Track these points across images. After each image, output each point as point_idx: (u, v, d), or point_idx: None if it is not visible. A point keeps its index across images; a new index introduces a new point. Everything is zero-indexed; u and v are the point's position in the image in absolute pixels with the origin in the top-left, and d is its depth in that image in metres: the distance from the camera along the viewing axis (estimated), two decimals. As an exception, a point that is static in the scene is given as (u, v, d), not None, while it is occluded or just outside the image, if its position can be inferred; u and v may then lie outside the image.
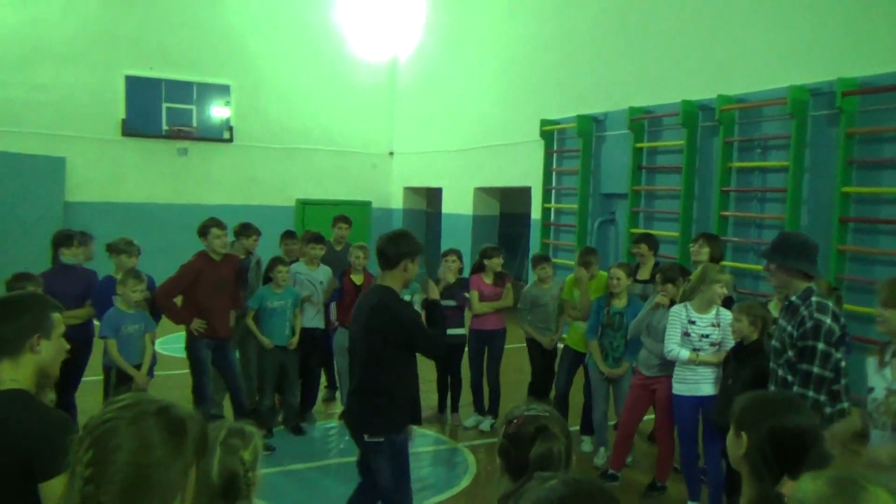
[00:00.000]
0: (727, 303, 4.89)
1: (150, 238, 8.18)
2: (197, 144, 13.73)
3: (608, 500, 1.15)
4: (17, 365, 2.00)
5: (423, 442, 6.12)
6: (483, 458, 5.71)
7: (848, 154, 6.72)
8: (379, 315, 3.54)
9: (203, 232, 5.41)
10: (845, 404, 3.47)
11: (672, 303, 4.98)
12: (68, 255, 5.17)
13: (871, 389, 2.98)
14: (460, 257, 6.54)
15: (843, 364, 3.38)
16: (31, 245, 6.17)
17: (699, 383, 4.58)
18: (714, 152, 8.21)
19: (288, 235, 7.04)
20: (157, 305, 5.18)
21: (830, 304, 3.37)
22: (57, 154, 12.41)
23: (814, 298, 3.33)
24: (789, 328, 3.38)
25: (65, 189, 12.54)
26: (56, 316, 2.10)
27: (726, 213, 8.02)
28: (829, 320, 3.26)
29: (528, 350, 6.45)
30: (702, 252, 5.61)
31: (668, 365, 4.88)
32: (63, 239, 5.25)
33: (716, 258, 5.56)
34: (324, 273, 6.43)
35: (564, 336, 6.39)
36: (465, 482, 5.23)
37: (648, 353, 5.05)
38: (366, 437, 3.59)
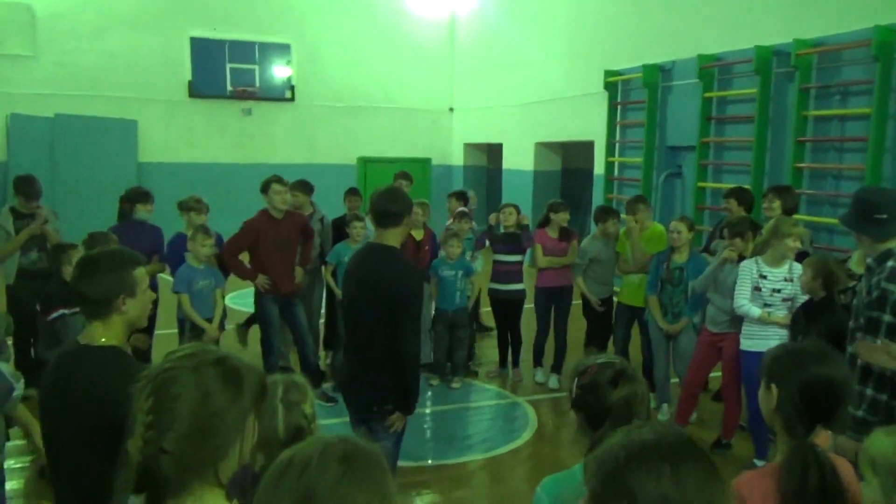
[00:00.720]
0: (802, 258, 4.69)
1: (217, 197, 8.41)
2: (260, 104, 13.95)
3: (700, 461, 1.06)
4: (107, 325, 2.09)
5: (484, 396, 6.19)
6: (544, 412, 5.74)
7: (938, 99, 6.30)
8: (404, 283, 3.31)
9: (264, 189, 5.49)
10: None
11: (741, 258, 4.83)
12: (143, 212, 5.43)
13: None
14: (518, 210, 6.49)
15: None
16: (109, 206, 6.44)
17: (768, 339, 4.42)
18: (789, 100, 7.80)
19: (351, 192, 7.13)
20: (224, 262, 5.35)
21: None
22: (129, 117, 12.85)
23: (889, 263, 2.98)
24: (864, 293, 3.12)
25: (137, 151, 12.99)
26: (139, 272, 2.16)
27: (801, 165, 7.65)
28: None
29: (583, 306, 6.39)
30: (773, 206, 5.38)
31: (735, 321, 4.76)
32: (140, 195, 5.52)
33: (788, 211, 5.33)
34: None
35: (616, 289, 6.28)
36: (525, 436, 5.27)
37: (716, 309, 4.92)
38: (374, 409, 3.37)
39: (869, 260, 3.16)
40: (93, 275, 2.07)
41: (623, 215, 6.40)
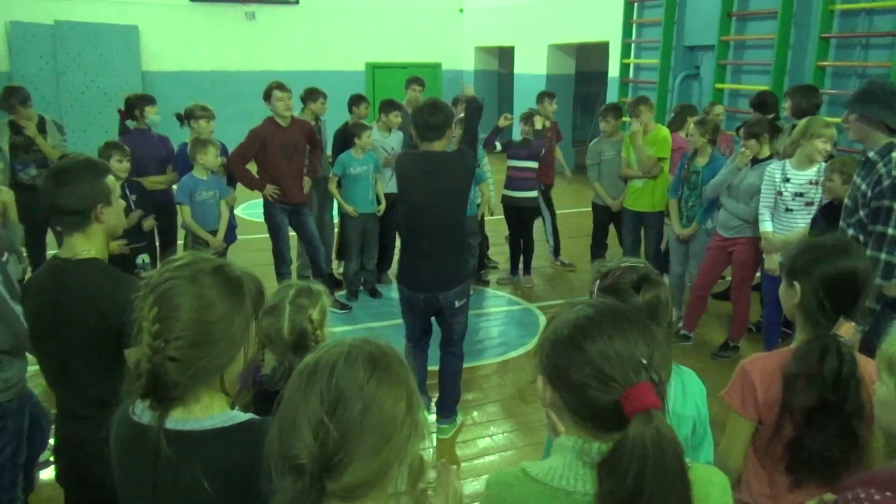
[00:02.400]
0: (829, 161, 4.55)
1: (222, 105, 8.27)
2: (264, 7, 13.49)
3: (639, 321, 1.19)
4: (87, 236, 2.07)
5: (496, 302, 6.26)
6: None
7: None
8: (460, 163, 3.70)
9: (267, 95, 5.38)
10: None
11: (755, 161, 4.71)
12: (153, 115, 5.35)
13: None
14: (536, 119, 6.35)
15: None
16: (114, 116, 6.33)
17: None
18: (815, -6, 7.43)
19: (357, 100, 6.94)
20: (231, 172, 5.30)
21: None
22: (129, 22, 12.48)
23: (894, 154, 3.04)
24: (864, 186, 3.14)
25: (140, 58, 12.70)
26: (110, 179, 2.13)
27: (824, 63, 7.36)
28: None
29: (592, 211, 6.33)
30: (785, 107, 5.20)
31: (746, 226, 4.70)
32: (146, 99, 5.43)
33: (803, 113, 5.11)
34: (396, 138, 6.40)
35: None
36: (536, 340, 5.35)
37: (727, 213, 4.85)
38: (456, 303, 3.79)
39: (871, 153, 3.13)
40: (67, 185, 2.03)
41: (625, 118, 6.18)
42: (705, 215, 5.14)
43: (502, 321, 5.97)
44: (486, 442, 4.02)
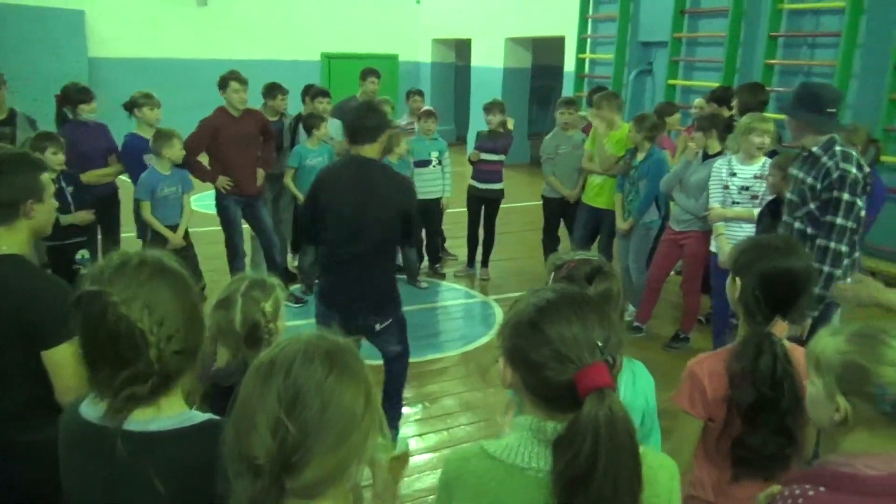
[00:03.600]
0: (772, 156, 4.68)
1: (174, 94, 8.08)
2: (216, -6, 13.19)
3: (597, 306, 1.24)
4: (12, 230, 1.98)
5: (453, 296, 6.28)
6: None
7: (913, -8, 6.19)
8: (406, 195, 3.44)
9: (222, 85, 5.27)
10: (857, 254, 3.39)
11: (706, 155, 4.81)
12: (87, 112, 5.07)
13: None
14: (503, 111, 6.38)
15: (862, 214, 3.26)
16: (60, 104, 6.12)
17: (737, 240, 4.48)
18: (764, -7, 7.62)
19: (311, 90, 6.84)
20: (182, 164, 5.17)
21: (854, 152, 3.25)
22: (75, 6, 12.05)
23: (837, 148, 3.20)
24: (809, 180, 3.28)
25: (87, 44, 12.29)
26: (45, 177, 2.06)
27: (772, 61, 7.56)
28: (854, 170, 3.16)
29: (543, 204, 6.38)
30: (733, 105, 5.32)
31: (696, 220, 4.81)
32: (80, 93, 5.10)
33: (750, 109, 5.21)
34: (332, 126, 6.36)
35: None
36: (493, 333, 5.39)
37: (679, 207, 4.95)
38: (377, 326, 3.47)
39: (814, 148, 3.28)
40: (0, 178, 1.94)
41: (583, 110, 6.20)
42: (641, 210, 5.21)
43: (459, 314, 5.99)
44: (444, 435, 4.03)
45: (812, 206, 3.27)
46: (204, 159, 5.39)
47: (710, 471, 1.94)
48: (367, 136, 3.30)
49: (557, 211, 6.25)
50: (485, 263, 6.67)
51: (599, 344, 1.17)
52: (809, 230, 3.29)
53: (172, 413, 1.30)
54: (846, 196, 3.15)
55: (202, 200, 8.44)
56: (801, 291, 1.86)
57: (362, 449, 1.07)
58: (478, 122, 6.35)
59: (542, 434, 1.19)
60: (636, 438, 1.14)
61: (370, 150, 3.34)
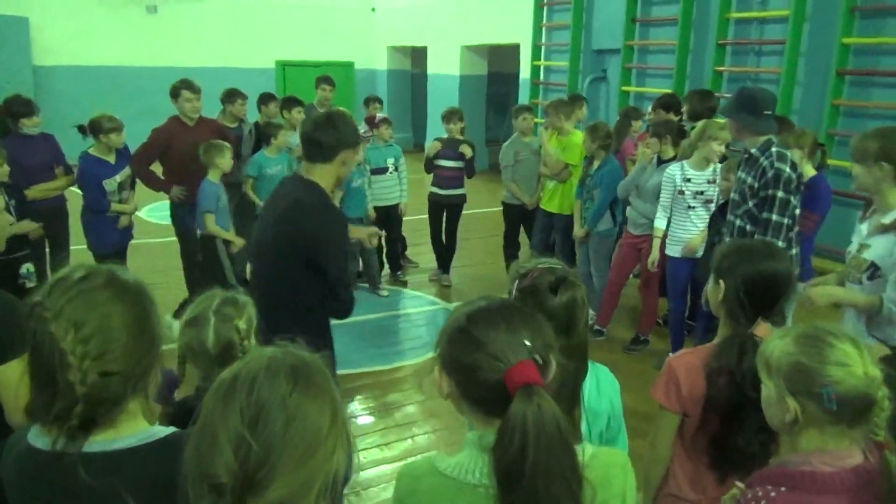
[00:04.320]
0: (722, 161, 4.81)
1: (124, 103, 7.90)
2: (167, 1, 12.94)
3: (526, 313, 1.28)
4: None
5: (415, 303, 6.25)
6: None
7: (852, 0, 6.42)
8: (313, 232, 2.67)
9: (174, 94, 5.17)
10: (794, 250, 3.56)
11: (661, 161, 4.91)
12: (30, 126, 4.83)
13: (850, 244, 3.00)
14: (461, 119, 6.41)
15: (797, 211, 3.48)
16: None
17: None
18: (712, 2, 7.82)
19: (267, 98, 6.77)
20: (134, 173, 5.04)
21: (789, 153, 3.48)
22: (19, 13, 11.69)
23: (773, 149, 3.43)
24: (749, 179, 3.49)
25: (31, 52, 11.92)
26: None
27: (721, 68, 7.77)
28: (787, 169, 3.38)
29: (503, 211, 6.43)
30: (684, 111, 5.47)
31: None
32: (22, 107, 4.84)
33: (699, 116, 5.35)
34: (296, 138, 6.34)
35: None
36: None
37: (636, 212, 5.04)
38: None
39: (753, 150, 3.50)
40: None
41: (525, 116, 6.26)
42: (594, 218, 5.29)
43: (422, 322, 5.97)
44: (408, 444, 4.00)
45: (750, 203, 3.49)
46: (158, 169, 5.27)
47: (684, 465, 1.97)
48: (317, 154, 2.72)
49: (517, 217, 6.31)
50: (446, 270, 6.67)
51: (527, 343, 1.20)
52: (749, 227, 3.50)
53: (133, 431, 1.26)
54: (780, 194, 3.37)
55: (154, 211, 8.27)
56: (783, 293, 1.92)
57: (329, 464, 1.04)
58: (435, 130, 6.36)
59: (485, 446, 1.20)
60: (569, 437, 1.15)
61: (321, 172, 2.73)
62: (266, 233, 2.77)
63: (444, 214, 6.50)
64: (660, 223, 4.71)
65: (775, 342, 1.49)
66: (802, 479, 1.41)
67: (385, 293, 6.32)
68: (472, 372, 1.21)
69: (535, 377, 1.16)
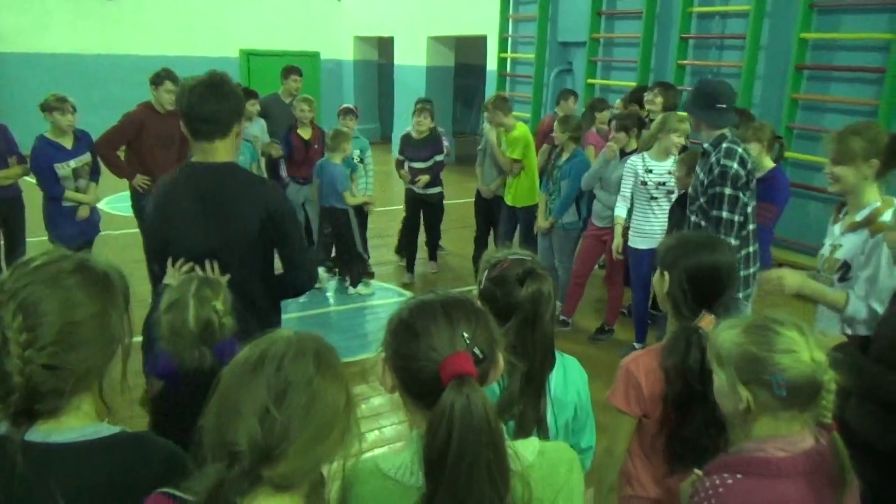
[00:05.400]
0: (681, 153, 4.89)
1: (84, 92, 7.70)
2: (126, -12, 12.64)
3: (470, 306, 1.28)
4: None
5: (383, 295, 6.23)
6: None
7: (811, -3, 6.57)
8: (270, 197, 2.46)
9: (156, 82, 5.13)
10: (751, 248, 3.55)
11: (623, 153, 4.97)
12: None
13: (821, 246, 2.95)
14: (431, 115, 6.35)
15: (749, 209, 3.44)
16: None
17: (655, 236, 4.64)
18: (675, -4, 7.93)
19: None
20: (99, 156, 4.93)
21: (739, 149, 3.40)
22: (-30, -1, 11.33)
23: (724, 145, 3.39)
24: (701, 175, 3.47)
25: (-16, 39, 11.56)
26: None
27: (684, 62, 7.88)
28: (735, 165, 3.32)
29: (475, 201, 6.45)
30: (656, 101, 5.55)
31: (619, 215, 4.96)
32: None
33: (670, 108, 5.50)
34: (257, 126, 6.29)
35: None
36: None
37: (601, 204, 5.10)
38: None
39: (706, 144, 3.49)
40: None
41: (528, 115, 6.34)
42: (560, 211, 5.32)
43: (387, 314, 5.94)
44: (375, 435, 4.00)
45: (701, 199, 3.47)
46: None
47: (648, 468, 1.97)
48: (211, 128, 2.33)
49: (487, 207, 6.33)
50: (433, 257, 6.71)
51: (465, 335, 1.20)
52: (702, 223, 3.47)
53: (76, 424, 1.23)
54: (728, 190, 3.33)
55: (115, 202, 8.09)
56: (726, 286, 1.92)
57: (339, 446, 1.10)
58: (402, 121, 6.32)
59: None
60: (498, 430, 1.15)
61: (222, 150, 2.39)
62: (225, 222, 2.39)
63: (422, 212, 6.45)
64: (620, 211, 4.79)
65: (725, 333, 1.52)
66: (758, 465, 1.44)
67: (352, 291, 6.24)
68: (410, 364, 1.21)
69: (468, 369, 1.15)
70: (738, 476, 1.44)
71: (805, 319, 1.57)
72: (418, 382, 1.21)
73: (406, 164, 6.34)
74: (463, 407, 1.12)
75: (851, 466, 1.44)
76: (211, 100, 2.30)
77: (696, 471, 1.57)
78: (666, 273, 1.95)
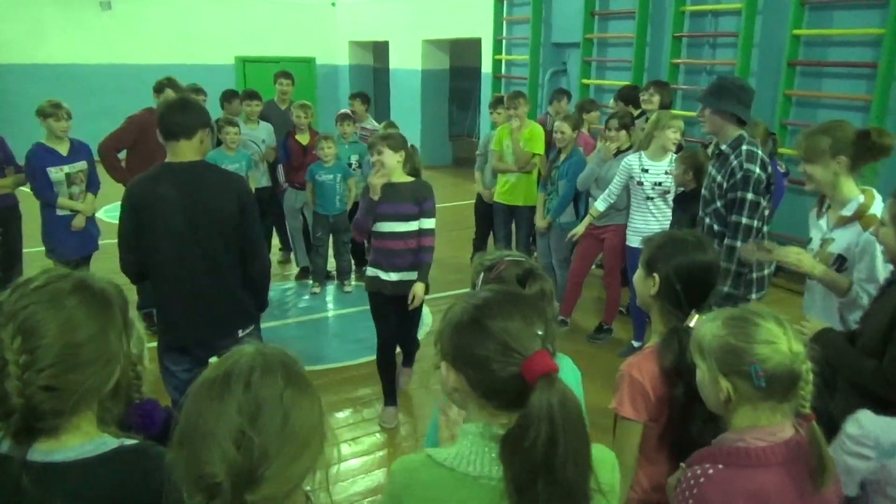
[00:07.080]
0: (679, 151, 4.91)
1: (80, 101, 7.70)
2: (121, -3, 12.69)
3: (531, 301, 1.30)
4: None
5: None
6: (440, 312, 5.89)
7: (802, -7, 6.60)
8: (238, 200, 2.94)
9: (158, 89, 5.20)
10: (767, 271, 3.50)
11: (619, 151, 4.99)
12: None
13: (810, 240, 2.96)
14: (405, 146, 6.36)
15: (766, 212, 3.40)
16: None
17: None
18: (668, -5, 7.96)
19: (230, 96, 6.71)
20: (100, 155, 4.95)
21: (759, 151, 3.33)
22: (-35, 11, 11.36)
23: (744, 147, 3.29)
24: (719, 178, 3.37)
25: (-20, 51, 11.59)
26: None
27: (677, 61, 7.91)
28: (757, 169, 3.25)
29: (475, 204, 6.47)
30: (652, 100, 5.58)
31: (616, 214, 4.98)
32: None
33: (665, 106, 5.53)
34: (265, 130, 6.32)
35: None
36: (420, 335, 5.40)
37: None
38: (240, 333, 3.05)
39: (724, 146, 3.38)
40: None
41: (500, 110, 6.35)
42: (559, 209, 5.35)
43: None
44: (377, 438, 4.02)
45: (719, 203, 3.39)
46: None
47: (646, 470, 1.94)
48: (179, 130, 2.88)
49: (487, 210, 6.35)
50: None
51: (540, 333, 1.20)
52: (717, 227, 3.41)
53: (76, 443, 1.22)
54: (750, 196, 3.25)
55: (114, 211, 8.09)
56: (714, 285, 1.93)
57: (319, 457, 1.08)
58: (399, 125, 6.31)
59: (493, 440, 1.19)
60: (586, 424, 1.17)
61: (187, 148, 2.91)
62: (201, 210, 2.88)
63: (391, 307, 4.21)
64: (600, 205, 4.83)
65: (706, 325, 1.55)
66: (738, 455, 1.47)
67: (349, 288, 6.31)
68: (485, 364, 1.19)
69: (553, 366, 1.16)
70: (719, 466, 1.47)
71: (791, 314, 1.60)
72: (496, 382, 1.19)
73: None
74: (560, 404, 1.13)
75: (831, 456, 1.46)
76: (178, 111, 2.91)
77: (682, 465, 1.60)
78: (655, 274, 1.91)
